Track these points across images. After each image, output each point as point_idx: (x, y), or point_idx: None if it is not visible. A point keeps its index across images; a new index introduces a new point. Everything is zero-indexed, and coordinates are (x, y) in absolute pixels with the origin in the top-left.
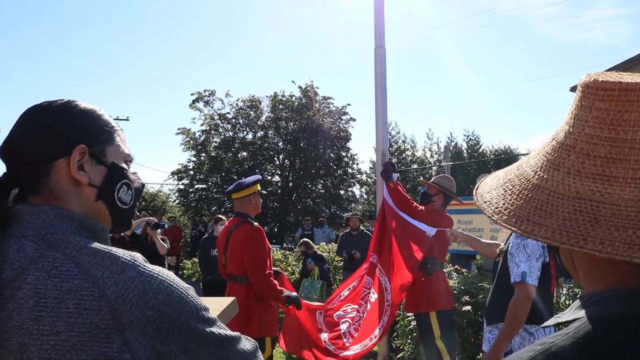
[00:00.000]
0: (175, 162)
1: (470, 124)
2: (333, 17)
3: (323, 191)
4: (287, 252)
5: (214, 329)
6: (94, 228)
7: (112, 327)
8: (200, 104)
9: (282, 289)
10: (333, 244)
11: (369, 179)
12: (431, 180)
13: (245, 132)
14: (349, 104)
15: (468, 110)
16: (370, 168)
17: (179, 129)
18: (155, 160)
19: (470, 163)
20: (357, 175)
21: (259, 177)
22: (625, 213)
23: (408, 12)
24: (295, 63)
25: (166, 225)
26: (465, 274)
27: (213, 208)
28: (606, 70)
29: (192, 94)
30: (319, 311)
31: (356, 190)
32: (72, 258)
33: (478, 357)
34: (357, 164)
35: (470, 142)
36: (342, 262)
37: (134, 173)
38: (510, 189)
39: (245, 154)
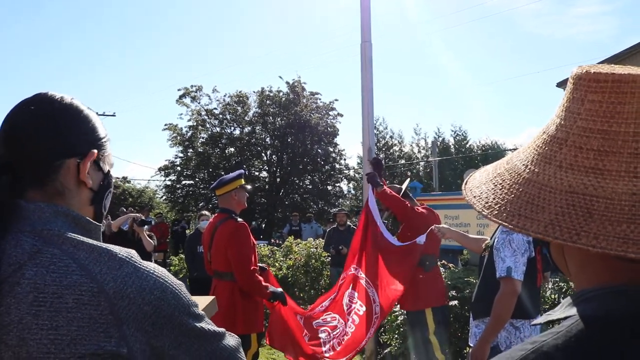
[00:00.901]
0: (162, 158)
1: (457, 120)
2: (321, 12)
3: (311, 187)
4: (275, 247)
5: (203, 325)
6: (88, 226)
7: (110, 322)
8: (187, 100)
9: (268, 285)
10: (320, 239)
11: (356, 175)
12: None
13: (232, 128)
14: (336, 100)
15: (456, 105)
16: (358, 164)
17: (165, 124)
18: (142, 157)
19: (458, 158)
20: (345, 171)
21: (241, 171)
22: (619, 207)
23: (397, 7)
24: (283, 58)
25: (153, 222)
26: (452, 269)
27: (200, 204)
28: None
29: (178, 90)
30: (300, 315)
31: (344, 185)
32: (70, 254)
33: (465, 351)
34: (345, 159)
35: (458, 138)
36: (330, 258)
37: None
38: (501, 184)
39: (232, 149)
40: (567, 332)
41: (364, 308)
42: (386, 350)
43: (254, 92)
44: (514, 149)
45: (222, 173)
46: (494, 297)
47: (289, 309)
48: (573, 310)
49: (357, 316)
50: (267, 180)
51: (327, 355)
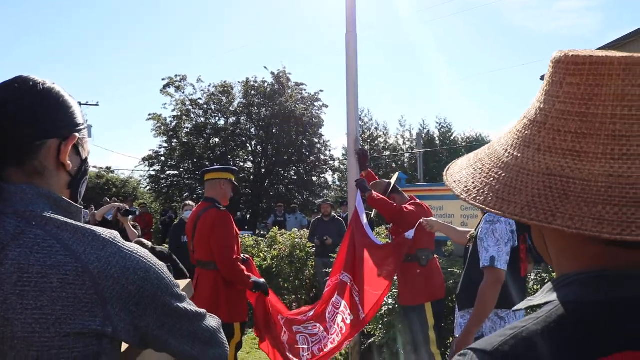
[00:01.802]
0: (146, 148)
1: (442, 112)
2: (308, 2)
3: (295, 178)
4: (260, 238)
5: (185, 305)
6: (69, 208)
7: (95, 302)
8: (172, 90)
9: (250, 275)
10: (305, 230)
11: (341, 166)
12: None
13: (217, 118)
14: (321, 91)
15: (440, 97)
16: (343, 155)
17: (149, 114)
18: (126, 147)
19: (442, 150)
20: (330, 162)
21: (235, 168)
22: (595, 188)
23: None
24: (268, 49)
25: (137, 212)
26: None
27: (185, 194)
28: None
29: (163, 79)
30: (281, 315)
31: (328, 176)
32: (54, 235)
33: (448, 341)
34: (330, 150)
35: (442, 130)
36: (314, 248)
37: None
38: (480, 168)
39: (217, 140)
40: (546, 318)
41: (351, 317)
42: (370, 340)
43: (239, 82)
44: None
45: (207, 164)
46: (479, 288)
47: (271, 303)
48: (554, 296)
49: (345, 325)
50: (251, 170)
51: (302, 355)
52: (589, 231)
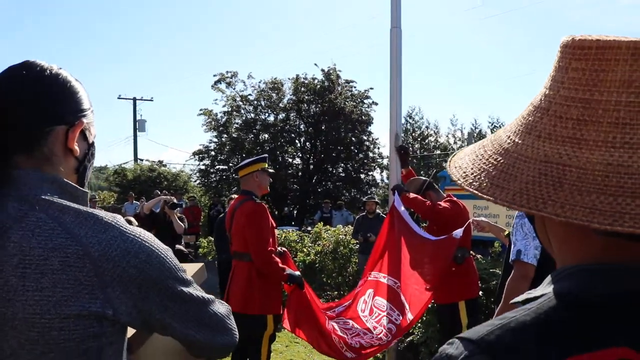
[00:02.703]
0: (197, 142)
1: (495, 111)
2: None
3: (343, 175)
4: (304, 233)
5: (190, 290)
6: (75, 192)
7: (95, 284)
8: (223, 86)
9: (285, 267)
10: (350, 226)
11: (389, 164)
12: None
13: (266, 114)
14: (371, 88)
15: (494, 96)
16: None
17: (201, 109)
18: (178, 141)
19: None
20: (378, 160)
21: (264, 155)
22: (591, 177)
23: None
24: (319, 46)
25: (184, 205)
26: (479, 259)
27: (233, 189)
28: None
29: (214, 75)
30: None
31: (376, 174)
32: (56, 218)
33: None
34: (379, 148)
35: (495, 129)
36: (358, 245)
37: None
38: (482, 155)
39: (266, 135)
40: (537, 309)
41: (400, 317)
42: (408, 339)
43: (289, 79)
44: None
45: None
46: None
47: (306, 293)
48: (550, 288)
49: (395, 325)
50: (300, 167)
51: (352, 345)
52: (578, 220)
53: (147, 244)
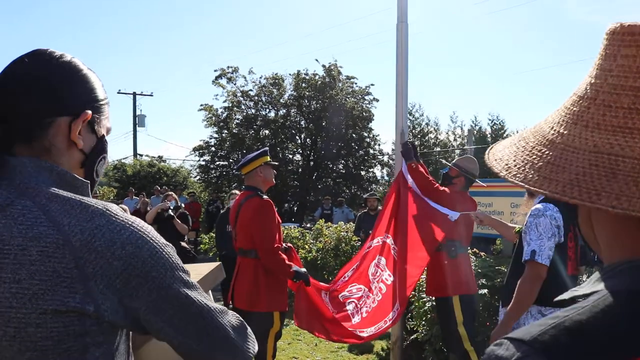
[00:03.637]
0: (197, 138)
1: (495, 108)
2: None
3: (344, 171)
4: (305, 230)
5: (192, 294)
6: (74, 182)
7: (75, 276)
8: (223, 81)
9: (291, 264)
10: (352, 223)
11: (390, 161)
12: (453, 162)
13: (267, 110)
14: (372, 84)
15: (494, 93)
16: (392, 150)
17: (201, 105)
18: (178, 136)
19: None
20: (379, 157)
21: (265, 149)
22: None
23: None
24: (320, 42)
25: (174, 205)
26: (483, 257)
27: (234, 185)
28: None
29: (215, 71)
30: (324, 292)
31: (377, 171)
32: (42, 206)
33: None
34: (379, 145)
35: (495, 127)
36: (360, 242)
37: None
38: (524, 146)
39: (267, 131)
40: (592, 307)
41: (392, 278)
42: (413, 337)
43: (290, 74)
44: None
45: None
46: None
47: (312, 287)
48: (601, 285)
49: (385, 285)
50: (300, 163)
51: (354, 322)
52: (636, 212)
53: (138, 234)
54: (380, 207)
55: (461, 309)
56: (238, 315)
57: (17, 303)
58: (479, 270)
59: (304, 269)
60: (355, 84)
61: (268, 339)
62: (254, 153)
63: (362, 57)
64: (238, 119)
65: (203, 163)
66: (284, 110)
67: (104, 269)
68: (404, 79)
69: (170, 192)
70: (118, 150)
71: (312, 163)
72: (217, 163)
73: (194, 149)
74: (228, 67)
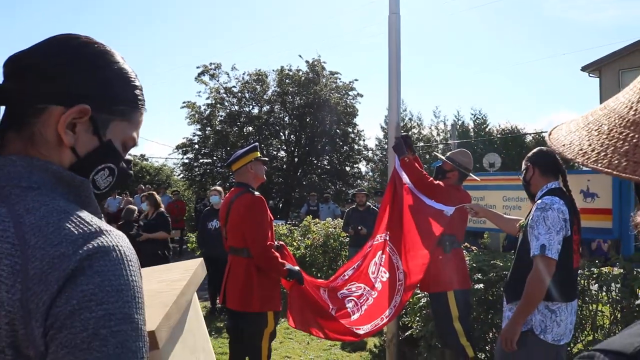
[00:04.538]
0: (180, 136)
1: (477, 103)
2: None
3: (329, 167)
4: (293, 227)
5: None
6: (72, 181)
7: (17, 312)
8: (206, 78)
9: (284, 262)
10: (339, 219)
11: (375, 156)
12: (447, 155)
13: (251, 107)
14: (356, 80)
15: (476, 88)
16: (376, 145)
17: (184, 102)
18: (160, 134)
19: (477, 142)
20: (364, 152)
21: (256, 144)
22: None
23: None
24: (303, 38)
25: (136, 229)
26: (475, 251)
27: (217, 182)
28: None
29: (197, 67)
30: (322, 288)
31: (362, 166)
32: (16, 217)
33: (488, 336)
34: (364, 140)
35: (478, 121)
36: (348, 238)
37: (129, 162)
38: (597, 129)
39: (250, 128)
40: None
41: (387, 274)
42: (407, 333)
43: (273, 70)
44: (535, 134)
45: None
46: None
47: (308, 284)
48: None
49: (381, 283)
50: (285, 159)
51: (353, 319)
52: None
53: (114, 283)
54: (368, 203)
55: (456, 304)
56: None
57: None
58: (474, 265)
59: (297, 267)
60: (339, 79)
61: (262, 339)
62: (244, 149)
63: (346, 53)
64: (221, 116)
65: (186, 161)
66: (268, 107)
67: (47, 307)
68: (397, 71)
69: (145, 193)
70: None
71: (296, 159)
72: (201, 161)
73: (177, 147)
74: (210, 63)
